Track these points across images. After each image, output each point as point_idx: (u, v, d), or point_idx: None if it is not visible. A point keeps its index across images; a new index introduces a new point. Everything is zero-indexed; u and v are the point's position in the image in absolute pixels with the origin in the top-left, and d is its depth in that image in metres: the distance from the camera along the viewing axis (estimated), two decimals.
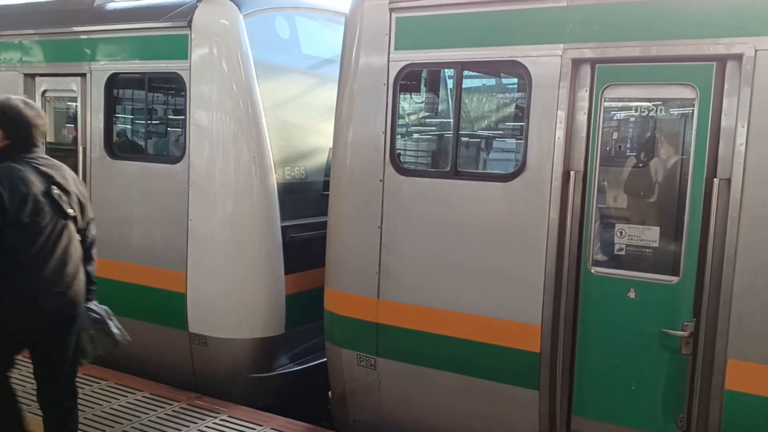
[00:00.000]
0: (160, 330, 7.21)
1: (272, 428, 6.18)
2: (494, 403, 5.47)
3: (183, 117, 6.94)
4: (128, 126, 7.99)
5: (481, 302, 5.42)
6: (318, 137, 7.57)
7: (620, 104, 5.22)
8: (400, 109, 5.83)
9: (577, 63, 5.00)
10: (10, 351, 5.07)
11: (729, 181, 4.56)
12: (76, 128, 7.90)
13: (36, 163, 4.74)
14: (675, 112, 5.10)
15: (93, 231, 5.24)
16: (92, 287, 5.20)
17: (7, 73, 8.32)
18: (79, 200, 4.97)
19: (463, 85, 5.57)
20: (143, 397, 6.78)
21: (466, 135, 6.02)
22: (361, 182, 5.87)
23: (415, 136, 6.63)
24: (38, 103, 8.20)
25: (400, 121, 5.88)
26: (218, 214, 6.82)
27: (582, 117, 5.03)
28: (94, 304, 5.20)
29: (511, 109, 6.17)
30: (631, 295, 4.98)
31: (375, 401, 6.04)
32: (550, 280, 5.13)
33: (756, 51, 4.43)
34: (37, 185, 4.63)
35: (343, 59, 6.03)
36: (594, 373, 5.17)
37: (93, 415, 6.33)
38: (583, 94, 5.01)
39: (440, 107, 6.61)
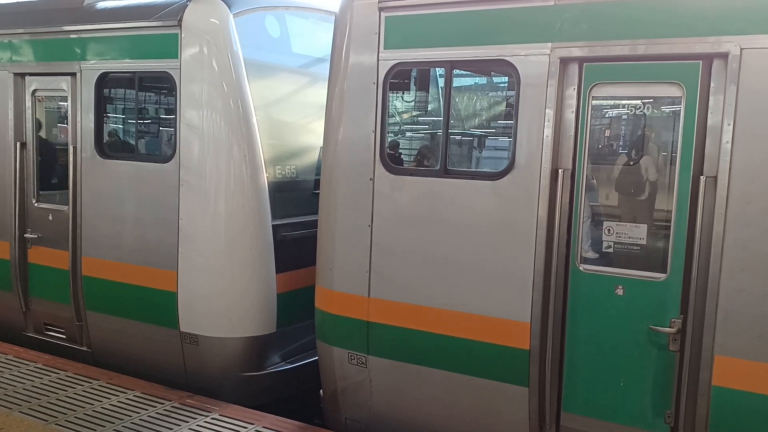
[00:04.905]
0: (152, 329, 7.21)
1: (264, 427, 6.19)
2: (484, 400, 5.50)
3: (173, 116, 6.94)
4: (119, 125, 7.98)
5: (471, 300, 5.45)
6: (309, 136, 7.59)
7: (608, 102, 5.25)
8: (390, 108, 5.85)
9: (565, 62, 5.03)
10: None
11: (715, 178, 4.60)
12: (67, 128, 7.90)
13: None
14: (662, 110, 5.14)
15: None
16: None
17: None
18: None
19: (453, 84, 5.59)
20: (135, 396, 6.78)
21: (455, 134, 6.05)
22: (351, 181, 5.89)
23: (405, 134, 6.66)
24: (28, 103, 8.21)
25: (390, 120, 5.90)
26: (209, 212, 6.83)
27: (570, 115, 5.06)
28: None
29: (500, 107, 6.20)
30: (619, 292, 5.01)
31: (366, 399, 6.06)
32: (539, 277, 5.16)
33: (741, 49, 4.46)
34: None
35: (333, 58, 6.05)
36: (583, 370, 5.21)
37: (84, 414, 6.33)
38: (571, 93, 5.05)
39: (430, 106, 6.64)
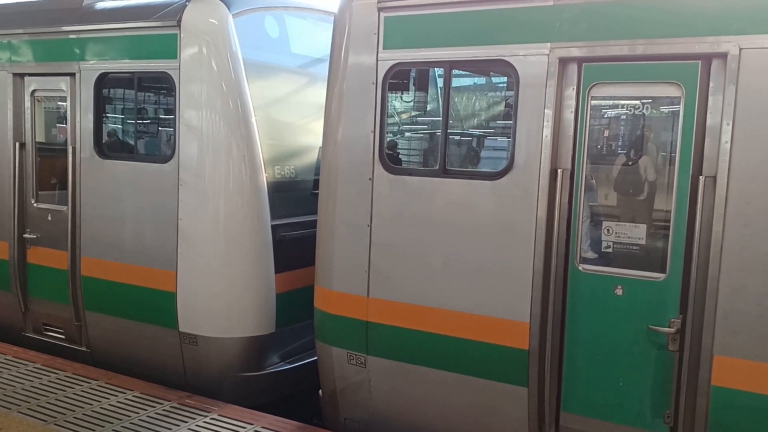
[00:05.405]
0: (151, 329, 7.21)
1: (263, 427, 6.19)
2: (483, 400, 5.50)
3: (172, 116, 6.94)
4: (118, 125, 7.99)
5: (471, 300, 5.45)
6: (308, 136, 7.59)
7: (607, 103, 5.26)
8: (389, 108, 5.85)
9: (564, 62, 5.03)
10: None
11: (715, 178, 4.60)
12: (66, 128, 7.90)
13: None
14: (661, 110, 5.14)
15: None
16: None
17: None
18: None
19: (452, 84, 5.59)
20: (134, 396, 6.77)
21: (454, 134, 6.05)
22: (350, 181, 5.89)
23: (404, 134, 6.66)
24: (28, 103, 8.21)
25: (389, 120, 5.90)
26: (208, 212, 6.82)
27: (569, 115, 5.06)
28: None
29: (499, 108, 6.20)
30: (619, 292, 5.01)
31: (365, 399, 6.06)
32: (539, 277, 5.16)
33: (740, 49, 4.47)
34: None
35: (332, 58, 6.05)
36: (582, 370, 5.21)
37: (83, 414, 6.32)
38: (570, 93, 5.05)
39: (429, 106, 6.64)
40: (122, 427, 6.10)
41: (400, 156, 6.35)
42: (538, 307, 5.18)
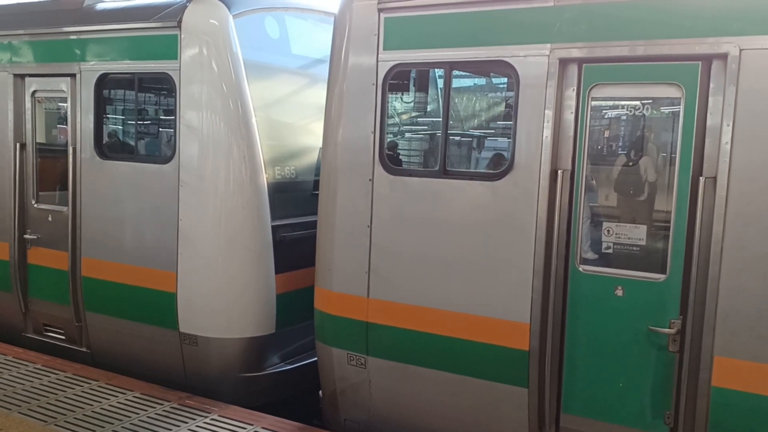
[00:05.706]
0: (151, 330, 7.21)
1: (263, 427, 6.19)
2: (484, 401, 5.50)
3: (173, 117, 6.95)
4: (118, 126, 7.99)
5: (471, 300, 5.45)
6: (308, 137, 7.59)
7: (607, 103, 5.26)
8: (390, 108, 5.85)
9: (564, 63, 5.03)
10: None
11: (715, 179, 4.60)
12: (66, 129, 7.90)
13: None
14: (662, 111, 5.14)
15: None
16: None
17: None
18: None
19: (452, 85, 5.59)
20: (134, 397, 6.78)
21: (454, 134, 6.05)
22: (350, 182, 5.89)
23: (405, 135, 6.67)
24: (28, 104, 8.21)
25: (389, 121, 5.90)
26: (208, 213, 6.83)
27: (569, 116, 5.06)
28: None
29: (500, 108, 6.21)
30: (619, 292, 5.01)
31: (365, 400, 6.06)
32: (539, 278, 5.16)
33: (741, 50, 4.47)
34: None
35: (333, 59, 6.05)
36: (582, 371, 5.20)
37: (83, 415, 6.32)
38: (571, 94, 5.05)
39: (429, 107, 6.64)
40: (122, 427, 6.10)
41: (400, 157, 6.35)
42: (538, 307, 5.18)
